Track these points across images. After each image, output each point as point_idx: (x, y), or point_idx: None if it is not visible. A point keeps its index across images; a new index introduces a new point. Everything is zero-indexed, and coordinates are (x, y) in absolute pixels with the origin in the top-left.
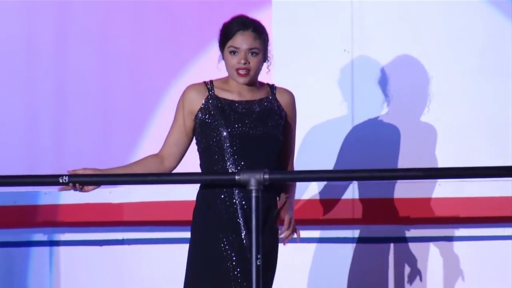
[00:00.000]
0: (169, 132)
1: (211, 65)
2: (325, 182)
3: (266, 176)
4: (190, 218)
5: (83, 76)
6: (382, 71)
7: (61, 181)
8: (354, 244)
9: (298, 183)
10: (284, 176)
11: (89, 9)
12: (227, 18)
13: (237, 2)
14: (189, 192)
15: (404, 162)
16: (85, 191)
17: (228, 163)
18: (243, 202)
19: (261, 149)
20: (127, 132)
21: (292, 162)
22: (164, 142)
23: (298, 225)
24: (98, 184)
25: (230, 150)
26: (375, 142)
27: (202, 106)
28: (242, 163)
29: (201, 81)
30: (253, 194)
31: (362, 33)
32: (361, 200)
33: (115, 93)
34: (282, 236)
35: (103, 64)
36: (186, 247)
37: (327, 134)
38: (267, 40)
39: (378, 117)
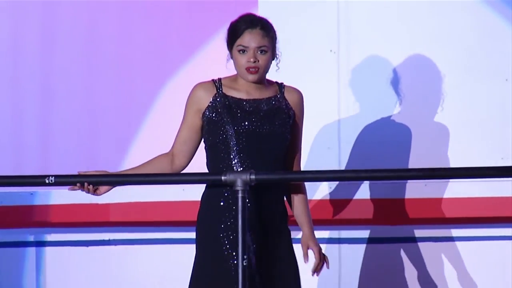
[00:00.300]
0: (178, 131)
1: (201, 68)
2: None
3: (253, 177)
4: (176, 218)
5: (71, 76)
6: (368, 71)
7: (47, 181)
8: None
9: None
10: (271, 177)
11: (79, 9)
12: (214, 18)
13: (223, 2)
14: (176, 193)
15: (391, 163)
16: (97, 194)
17: (234, 161)
18: (247, 201)
19: (268, 147)
20: (119, 133)
21: (298, 161)
22: (174, 141)
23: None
24: (100, 184)
25: (236, 148)
26: (364, 143)
27: (209, 104)
28: (248, 161)
29: (210, 79)
30: (239, 195)
31: (349, 33)
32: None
33: (104, 94)
34: (313, 267)
35: (92, 64)
36: (172, 247)
37: (315, 134)
38: (275, 38)
39: (365, 117)
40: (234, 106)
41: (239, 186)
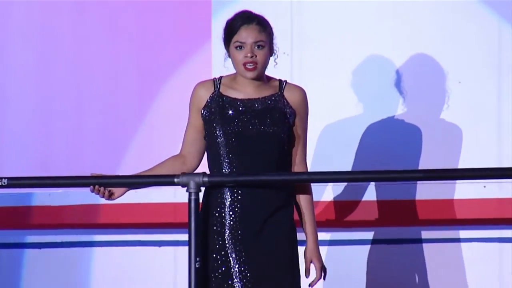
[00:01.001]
0: (185, 132)
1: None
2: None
3: (205, 179)
4: (130, 221)
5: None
6: (323, 73)
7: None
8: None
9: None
10: (224, 179)
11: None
12: (167, 19)
13: (177, 2)
14: (129, 194)
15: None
16: (112, 198)
17: (224, 162)
18: (236, 204)
19: (258, 148)
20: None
21: (303, 161)
22: (182, 142)
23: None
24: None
25: (226, 149)
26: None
27: (206, 103)
28: (237, 162)
29: (212, 77)
30: (192, 197)
31: (302, 34)
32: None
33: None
34: (311, 281)
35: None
36: (123, 249)
37: None
38: (272, 34)
39: (320, 118)
40: (227, 106)
41: (192, 188)
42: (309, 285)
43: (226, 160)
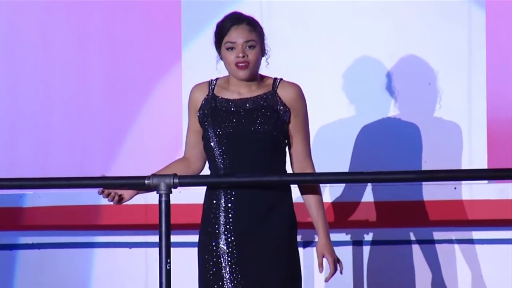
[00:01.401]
0: (186, 135)
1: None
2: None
3: (176, 180)
4: (99, 222)
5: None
6: (292, 72)
7: None
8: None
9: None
10: (195, 180)
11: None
12: (134, 20)
13: (146, 2)
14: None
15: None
16: (121, 203)
17: (219, 164)
18: (229, 205)
19: (249, 148)
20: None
21: (305, 157)
22: (185, 145)
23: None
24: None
25: (219, 151)
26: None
27: (201, 106)
28: (229, 162)
29: (208, 79)
30: (163, 199)
31: (272, 34)
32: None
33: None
34: (326, 276)
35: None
36: (95, 251)
37: None
38: (263, 34)
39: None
40: (220, 107)
41: (162, 189)
42: (325, 280)
43: (221, 161)
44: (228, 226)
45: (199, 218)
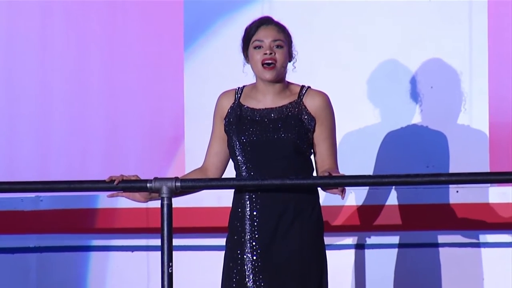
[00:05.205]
0: (209, 143)
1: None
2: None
3: (178, 184)
4: (101, 226)
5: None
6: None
7: None
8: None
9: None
10: (196, 184)
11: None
12: (139, 19)
13: (148, 2)
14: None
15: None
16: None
17: (243, 172)
18: (254, 211)
19: (273, 156)
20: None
21: (331, 166)
22: (206, 154)
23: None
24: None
25: (243, 159)
26: None
27: (227, 114)
28: (254, 171)
29: (235, 87)
30: (165, 202)
31: None
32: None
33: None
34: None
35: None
36: (96, 254)
37: None
38: (291, 39)
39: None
40: (245, 116)
41: (164, 193)
42: (342, 198)
43: (244, 169)
44: (253, 235)
45: (200, 221)
